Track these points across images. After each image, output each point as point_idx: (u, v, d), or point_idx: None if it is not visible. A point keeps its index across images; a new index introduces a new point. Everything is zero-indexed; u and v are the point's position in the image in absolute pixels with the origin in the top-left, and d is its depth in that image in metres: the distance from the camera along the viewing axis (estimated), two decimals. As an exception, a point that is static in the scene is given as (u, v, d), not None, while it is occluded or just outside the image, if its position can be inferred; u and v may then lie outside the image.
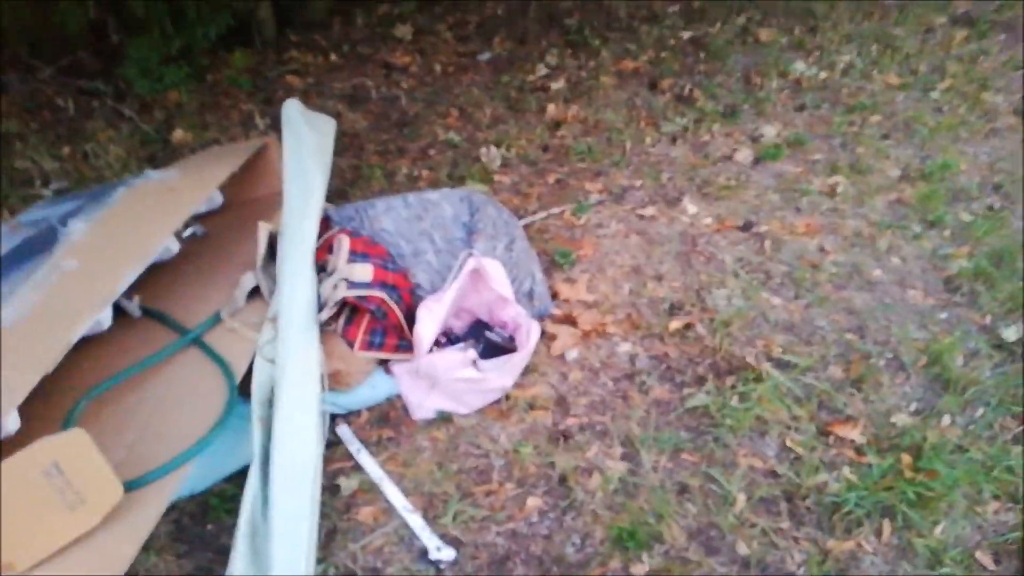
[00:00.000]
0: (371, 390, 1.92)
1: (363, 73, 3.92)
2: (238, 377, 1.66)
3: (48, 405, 1.47)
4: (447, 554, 1.55)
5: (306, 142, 2.14)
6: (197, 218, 2.35)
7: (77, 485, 1.26)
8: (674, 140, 3.03)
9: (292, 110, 2.22)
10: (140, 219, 1.86)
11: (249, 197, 2.47)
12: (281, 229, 1.97)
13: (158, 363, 1.72)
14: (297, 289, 1.80)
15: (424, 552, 1.56)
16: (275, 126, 3.42)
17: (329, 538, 1.59)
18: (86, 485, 1.27)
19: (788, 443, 1.75)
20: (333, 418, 1.88)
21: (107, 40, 3.98)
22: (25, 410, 1.36)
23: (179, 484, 1.42)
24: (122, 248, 1.72)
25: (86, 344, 1.59)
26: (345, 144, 3.20)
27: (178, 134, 3.37)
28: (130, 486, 1.35)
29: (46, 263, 1.65)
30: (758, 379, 1.89)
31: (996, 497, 1.60)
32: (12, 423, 1.39)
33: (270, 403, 1.66)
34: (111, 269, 1.63)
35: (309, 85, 3.79)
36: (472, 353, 1.83)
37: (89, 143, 3.24)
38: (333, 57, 4.09)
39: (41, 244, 1.82)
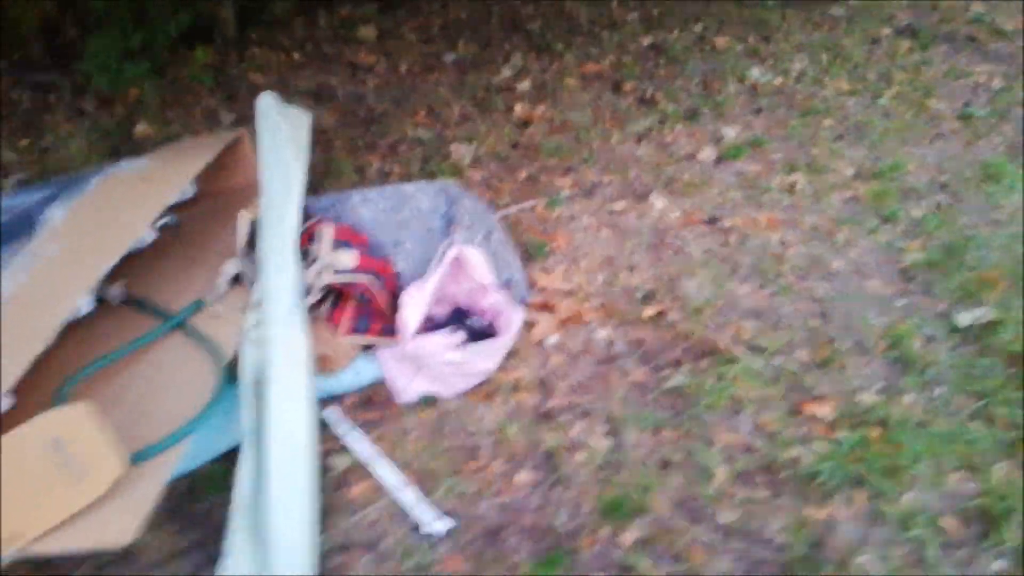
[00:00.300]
0: (355, 375, 1.94)
1: (328, 72, 3.92)
2: (227, 358, 1.66)
3: (31, 389, 1.45)
4: (441, 526, 1.58)
5: (280, 132, 2.14)
6: (170, 208, 2.33)
7: (80, 458, 1.25)
8: (639, 140, 3.12)
9: (267, 102, 2.22)
10: (118, 206, 1.85)
11: (220, 188, 2.46)
12: (261, 217, 1.97)
13: (143, 347, 1.71)
14: (281, 273, 1.81)
15: (417, 526, 1.59)
16: (240, 122, 3.42)
17: (322, 516, 1.60)
18: (89, 458, 1.26)
19: (762, 421, 1.84)
20: (319, 402, 1.88)
21: (61, 36, 3.90)
22: (19, 388, 1.34)
23: (178, 459, 1.42)
24: (102, 234, 1.71)
25: (72, 329, 1.58)
26: (314, 139, 3.18)
27: (141, 128, 3.32)
28: (134, 459, 1.34)
29: (26, 248, 1.63)
30: (731, 361, 1.98)
31: (958, 469, 1.70)
32: (6, 402, 1.37)
33: (259, 384, 1.66)
34: (93, 254, 1.62)
35: (273, 82, 3.78)
36: (459, 336, 1.87)
37: (48, 136, 3.17)
38: (296, 56, 4.08)
39: (19, 229, 1.79)
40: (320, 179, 2.94)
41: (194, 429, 1.47)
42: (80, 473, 1.25)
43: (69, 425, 1.25)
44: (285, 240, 1.84)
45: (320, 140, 3.21)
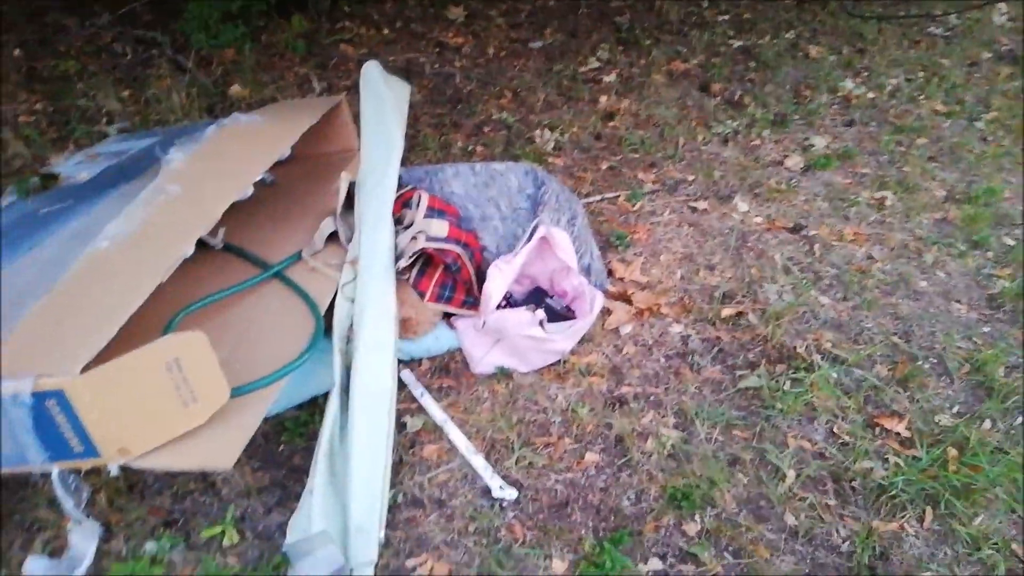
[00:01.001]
0: (435, 340, 1.98)
1: (416, 49, 3.98)
2: (321, 310, 1.72)
3: (137, 319, 1.52)
4: (510, 493, 1.62)
5: (385, 99, 2.21)
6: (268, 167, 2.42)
7: (192, 382, 1.32)
8: (725, 141, 3.10)
9: (372, 70, 2.29)
10: (234, 154, 1.93)
11: (316, 152, 2.53)
12: (360, 179, 2.04)
13: (243, 292, 1.78)
14: (378, 235, 1.87)
15: (487, 490, 1.63)
16: (331, 90, 3.51)
17: (397, 468, 1.66)
18: (200, 383, 1.33)
19: (836, 430, 1.82)
20: (398, 363, 1.94)
21: (164, -6, 4.05)
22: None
23: (274, 397, 1.49)
24: (219, 178, 1.79)
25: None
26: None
27: (236, 89, 3.43)
28: (233, 393, 1.42)
29: (151, 185, 1.71)
30: (808, 369, 1.97)
31: (1034, 497, 1.67)
32: (113, 331, 1.43)
33: (349, 339, 1.73)
34: (211, 195, 1.69)
35: (363, 55, 3.85)
36: (541, 313, 1.90)
37: (150, 89, 3.30)
38: (386, 31, 4.16)
39: (139, 169, 1.88)
40: (406, 153, 2.99)
41: (290, 371, 1.53)
42: (190, 396, 1.33)
43: (188, 348, 1.33)
44: (383, 203, 1.90)
45: (408, 115, 3.27)
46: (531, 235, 1.98)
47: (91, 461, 1.31)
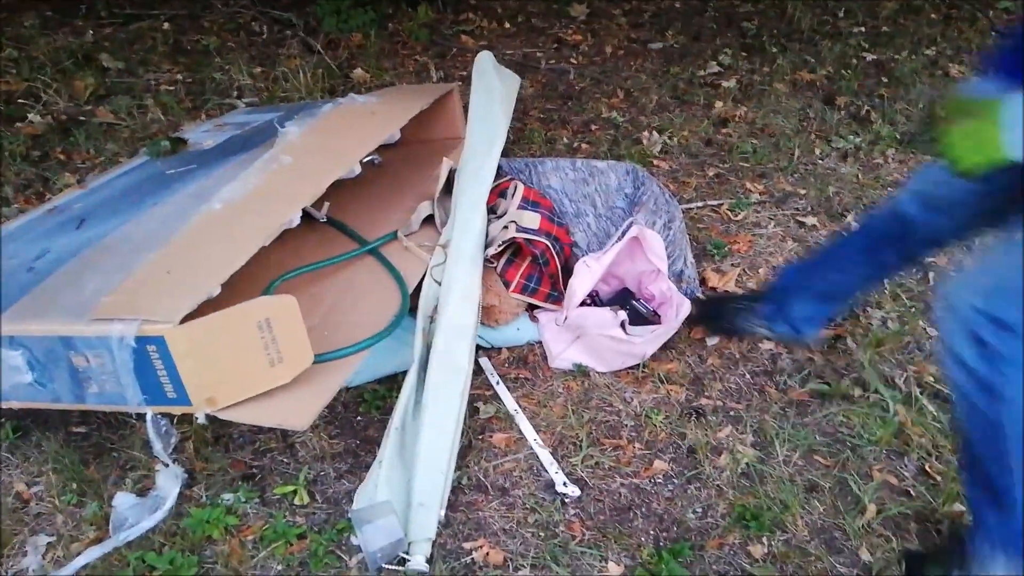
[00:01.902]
0: (516, 331, 2.00)
1: (534, 44, 4.01)
2: (410, 289, 1.77)
3: (238, 281, 1.61)
4: (573, 490, 1.61)
5: (495, 90, 2.24)
6: (376, 148, 2.50)
7: (280, 343, 1.40)
8: (845, 157, 2.96)
9: (485, 61, 2.32)
10: (345, 133, 2.01)
11: (424, 137, 2.59)
12: (461, 166, 2.08)
13: (339, 264, 1.86)
14: (471, 222, 1.90)
15: (551, 484, 1.63)
16: (447, 79, 3.59)
17: (465, 452, 1.69)
18: (287, 345, 1.41)
19: (928, 468, 1.71)
20: (477, 349, 1.97)
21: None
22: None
23: (355, 367, 1.55)
24: (329, 154, 1.87)
25: (277, 237, 1.73)
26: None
27: (358, 73, 3.56)
28: (316, 359, 1.48)
29: (266, 154, 1.81)
30: (906, 403, 1.86)
31: None
32: (215, 288, 1.53)
33: (432, 319, 1.77)
34: (319, 169, 1.78)
35: (482, 47, 3.91)
36: (623, 314, 1.88)
37: (280, 67, 3.47)
38: (507, 25, 4.21)
39: (260, 139, 2.00)
40: (511, 145, 3.03)
41: (372, 344, 1.58)
42: (277, 356, 1.40)
43: (279, 311, 1.40)
44: (479, 191, 1.93)
45: (517, 108, 3.29)
46: (623, 234, 1.96)
47: (182, 408, 1.41)
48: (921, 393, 1.89)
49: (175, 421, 1.67)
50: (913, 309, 2.18)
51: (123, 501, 1.55)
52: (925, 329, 2.11)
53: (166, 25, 3.94)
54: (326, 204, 2.03)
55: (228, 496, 1.58)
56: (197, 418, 1.40)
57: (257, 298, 1.39)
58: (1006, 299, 1.19)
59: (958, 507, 1.61)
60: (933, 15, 4.44)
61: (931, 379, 1.93)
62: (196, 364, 1.35)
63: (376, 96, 2.33)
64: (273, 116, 2.26)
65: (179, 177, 1.97)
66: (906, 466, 1.73)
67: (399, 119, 2.11)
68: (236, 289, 1.49)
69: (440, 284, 1.79)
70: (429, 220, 2.06)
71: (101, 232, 1.73)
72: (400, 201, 2.18)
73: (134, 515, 1.51)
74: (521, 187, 2.05)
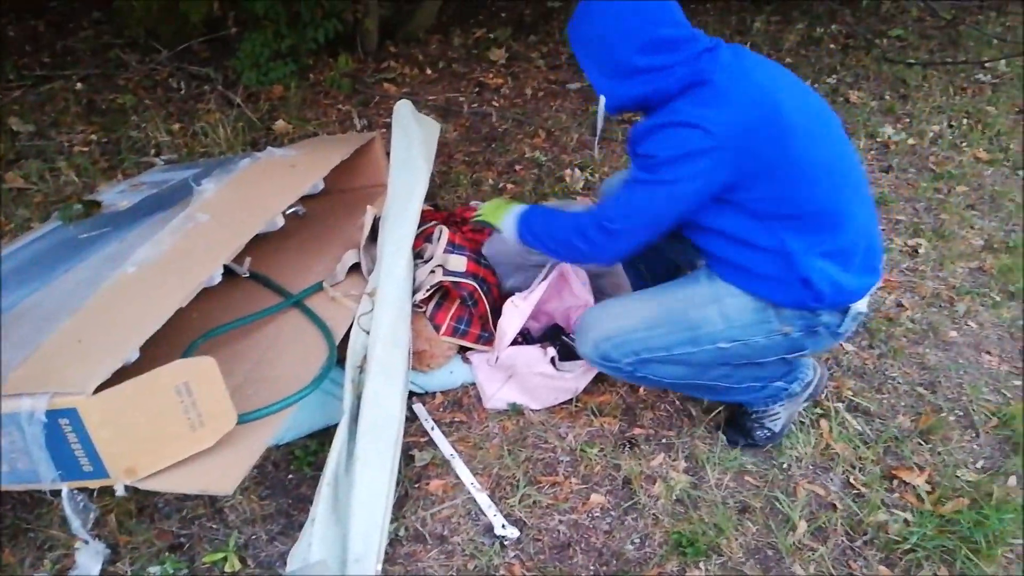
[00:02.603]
0: (448, 375, 2.00)
1: (456, 89, 4.08)
2: (337, 340, 1.76)
3: (160, 343, 1.58)
4: (512, 532, 1.61)
5: (414, 137, 2.26)
6: (299, 199, 2.49)
7: (201, 407, 1.36)
8: (757, 184, 3.08)
9: (404, 109, 2.35)
10: (264, 187, 2.00)
11: (348, 186, 2.60)
12: (384, 213, 2.08)
13: (265, 319, 1.84)
14: (396, 267, 1.90)
15: (489, 527, 1.62)
16: (371, 127, 3.61)
17: (401, 501, 1.67)
18: (208, 408, 1.38)
19: (852, 480, 1.77)
20: (410, 396, 1.96)
21: (221, 32, 4.24)
22: (143, 344, 1.46)
23: (280, 426, 1.52)
24: (247, 209, 1.86)
25: (197, 295, 1.71)
26: (437, 151, 3.33)
27: (280, 125, 3.55)
28: (240, 419, 1.45)
29: (182, 214, 1.79)
30: (826, 416, 1.92)
31: (1058, 560, 1.60)
32: (133, 353, 1.49)
33: (361, 369, 1.76)
34: (237, 225, 1.76)
35: (405, 94, 3.96)
36: (552, 351, 1.91)
37: (199, 123, 3.44)
38: (429, 71, 4.27)
39: (176, 198, 1.97)
40: (437, 189, 3.06)
41: (298, 399, 1.56)
42: (198, 420, 1.37)
43: (198, 373, 1.37)
44: (403, 236, 1.94)
45: (442, 152, 3.35)
46: (548, 272, 2.00)
47: (100, 481, 1.36)
48: (842, 408, 1.96)
49: (94, 494, 1.60)
50: (829, 327, 2.26)
51: (42, 584, 1.48)
52: (841, 345, 2.19)
53: (79, 85, 3.86)
54: (247, 259, 2.01)
55: (155, 569, 1.53)
56: (116, 491, 1.35)
57: (174, 362, 1.36)
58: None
59: (881, 516, 1.67)
60: (832, 45, 4.71)
61: (850, 393, 2.01)
62: (112, 434, 1.31)
63: (296, 148, 2.33)
64: (190, 173, 2.24)
65: (92, 241, 1.92)
66: (832, 480, 1.78)
67: (320, 169, 2.11)
68: (157, 352, 1.46)
69: (368, 333, 1.78)
70: (356, 269, 2.06)
71: (9, 303, 1.67)
72: (326, 251, 2.18)
73: (54, 598, 1.44)
74: (446, 231, 2.07)
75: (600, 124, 1.83)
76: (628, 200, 1.54)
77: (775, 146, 1.44)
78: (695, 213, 1.53)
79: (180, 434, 1.36)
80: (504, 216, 1.81)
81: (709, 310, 1.60)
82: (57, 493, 1.41)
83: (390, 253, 1.93)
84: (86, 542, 1.47)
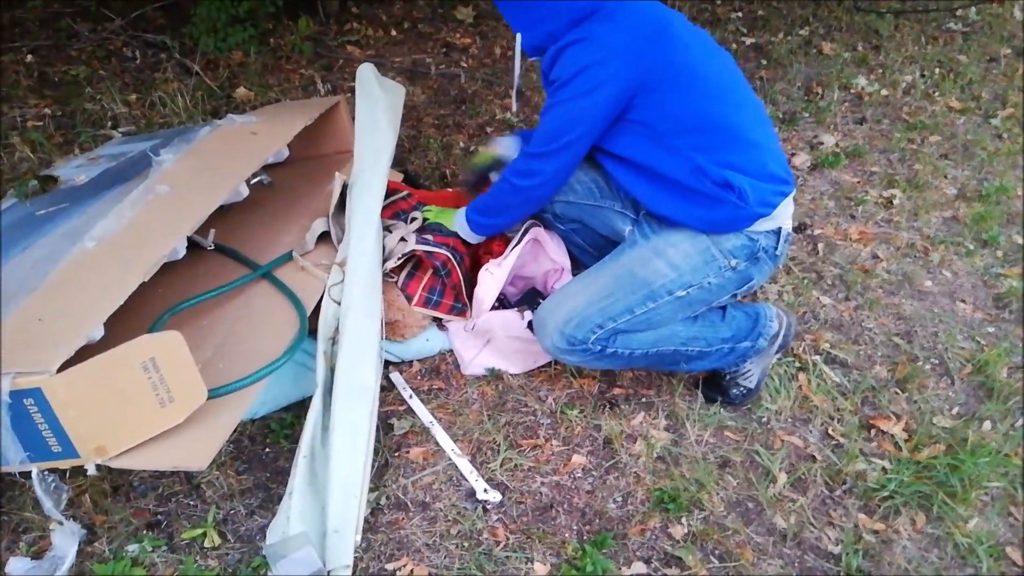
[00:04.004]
0: (425, 343, 1.97)
1: (423, 50, 3.99)
2: (308, 312, 1.72)
3: (126, 320, 1.53)
4: (494, 496, 1.60)
5: (379, 101, 2.20)
6: (264, 168, 2.42)
7: (169, 383, 1.33)
8: (731, 139, 3.06)
9: (367, 72, 2.28)
10: (225, 155, 1.93)
11: (313, 152, 2.53)
12: (351, 181, 2.03)
13: (231, 292, 1.79)
14: (366, 237, 1.86)
15: (471, 492, 1.61)
16: (336, 92, 3.52)
17: (382, 471, 1.65)
18: (177, 383, 1.34)
19: (830, 431, 1.79)
20: (387, 365, 1.94)
21: (175, -2, 4.09)
22: (108, 321, 1.42)
23: (253, 399, 1.49)
24: (209, 179, 1.80)
25: (161, 270, 1.66)
26: (405, 115, 3.25)
27: (241, 92, 3.45)
28: (211, 394, 1.42)
29: (141, 186, 1.73)
30: (805, 369, 1.93)
31: (1032, 501, 1.62)
32: (97, 331, 1.44)
33: (334, 340, 1.72)
34: (200, 196, 1.70)
35: (369, 57, 3.86)
36: (529, 315, 1.88)
37: (157, 92, 3.33)
38: (394, 32, 4.16)
39: (135, 170, 1.90)
40: (407, 154, 3.00)
41: (270, 372, 1.53)
42: (167, 396, 1.33)
43: (165, 349, 1.33)
44: (371, 205, 1.89)
45: (410, 116, 3.28)
46: (522, 236, 1.96)
47: (70, 461, 1.32)
48: (821, 360, 1.97)
49: (67, 475, 1.57)
50: (806, 280, 2.27)
51: (17, 566, 1.45)
52: (818, 298, 2.20)
53: (29, 57, 3.71)
54: (212, 231, 1.95)
55: (133, 547, 1.50)
56: (88, 470, 1.32)
57: (139, 337, 1.32)
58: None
59: (860, 466, 1.69)
60: (803, -3, 4.66)
61: (827, 346, 2.02)
62: (79, 413, 1.27)
63: (257, 115, 2.25)
64: (149, 145, 2.16)
65: (50, 218, 1.85)
66: (811, 432, 1.79)
67: (283, 136, 2.05)
68: (123, 328, 1.41)
69: (339, 303, 1.75)
70: (326, 238, 2.01)
71: (-35, 283, 1.61)
72: (294, 221, 2.12)
73: (29, 579, 1.41)
74: (420, 216, 2.03)
75: (518, 68, 1.89)
76: (546, 123, 1.67)
77: (665, 57, 1.57)
78: (608, 132, 1.66)
79: (149, 411, 1.32)
80: (453, 219, 1.96)
81: (656, 263, 1.66)
82: (28, 475, 1.37)
83: (359, 222, 1.88)
84: (60, 523, 1.44)
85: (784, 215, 1.70)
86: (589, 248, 2.04)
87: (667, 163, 1.64)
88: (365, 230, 1.87)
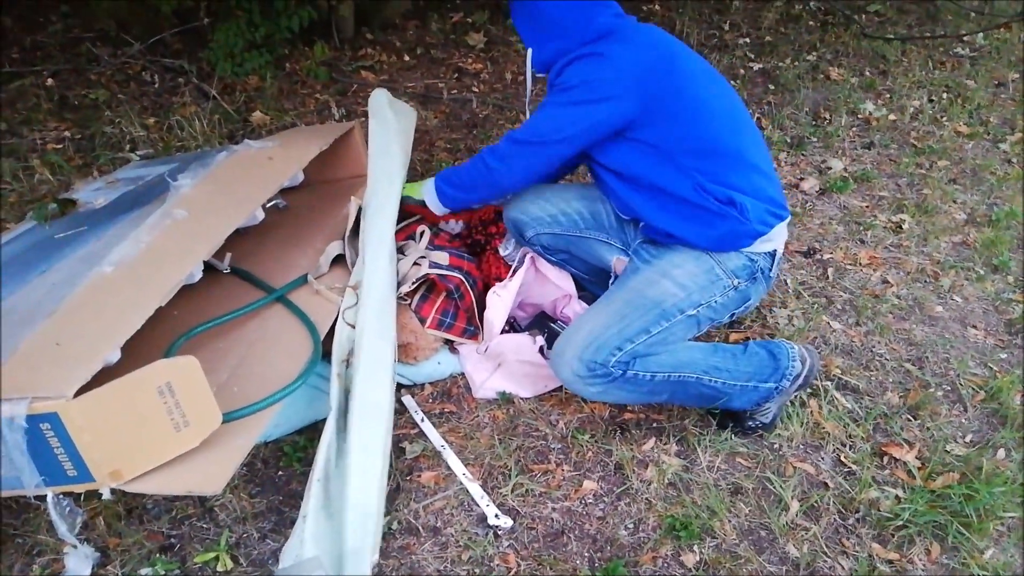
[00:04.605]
0: (437, 366, 1.98)
1: (435, 75, 4.04)
2: (322, 335, 1.74)
3: (140, 342, 1.55)
4: (505, 521, 1.60)
5: (391, 127, 2.23)
6: (280, 192, 2.45)
7: (185, 407, 1.34)
8: (740, 164, 3.08)
9: (380, 97, 2.32)
10: (242, 180, 1.96)
11: (330, 177, 2.56)
12: (364, 204, 2.06)
13: (248, 315, 1.81)
14: (379, 259, 1.88)
15: (483, 517, 1.62)
16: (350, 116, 3.56)
17: (393, 495, 1.66)
18: (192, 407, 1.35)
19: (843, 458, 1.78)
20: (399, 388, 1.95)
21: (193, 23, 4.16)
22: (124, 344, 1.44)
23: (267, 423, 1.50)
24: (226, 203, 1.82)
25: (177, 293, 1.68)
26: (416, 139, 3.29)
27: (257, 116, 3.50)
28: (226, 418, 1.43)
29: (159, 211, 1.75)
30: (816, 396, 1.93)
31: (1048, 532, 1.61)
32: (114, 355, 1.46)
33: (347, 363, 1.74)
34: (216, 220, 1.73)
35: (383, 82, 3.91)
36: (540, 339, 1.89)
37: (174, 116, 3.38)
38: (407, 58, 4.22)
39: (153, 194, 1.93)
40: (419, 178, 3.01)
41: (285, 395, 1.54)
42: (183, 420, 1.34)
43: (180, 374, 1.35)
44: (384, 228, 1.91)
45: (423, 140, 3.32)
46: (520, 261, 1.98)
47: (85, 485, 1.33)
48: (831, 386, 1.96)
49: (81, 498, 1.58)
50: (816, 305, 2.27)
51: (31, 590, 1.46)
52: (828, 323, 2.20)
53: (50, 81, 3.78)
54: (228, 255, 1.98)
55: (146, 570, 1.51)
56: (103, 494, 1.33)
57: (155, 362, 1.33)
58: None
59: (873, 494, 1.68)
60: (811, 22, 4.70)
61: (838, 372, 2.02)
62: (95, 438, 1.29)
63: (273, 140, 2.28)
64: (166, 168, 2.19)
65: (70, 240, 1.88)
66: (823, 459, 1.79)
67: (299, 161, 2.08)
68: (138, 353, 1.43)
69: (353, 327, 1.76)
70: (341, 261, 2.03)
71: (-14, 306, 1.63)
72: (309, 244, 2.14)
73: (44, 604, 1.42)
74: (428, 232, 2.05)
75: (529, 83, 1.94)
76: (537, 116, 1.73)
77: (672, 84, 1.64)
78: (615, 150, 1.72)
79: (165, 435, 1.33)
80: (421, 188, 1.99)
81: (663, 284, 1.70)
82: (42, 498, 1.38)
83: (372, 245, 1.90)
84: (74, 547, 1.45)
85: (780, 237, 1.77)
86: (586, 275, 2.07)
87: (672, 180, 1.69)
88: (379, 252, 1.89)
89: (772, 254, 1.76)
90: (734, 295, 1.73)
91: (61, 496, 1.37)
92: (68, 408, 1.25)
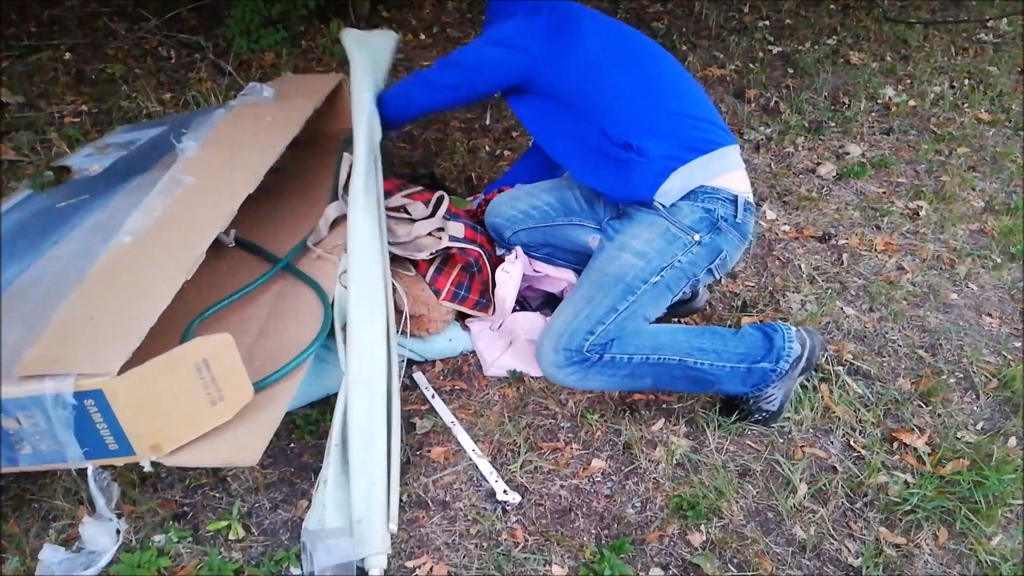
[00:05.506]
0: (448, 342, 1.99)
1: (451, 54, 4.01)
2: (330, 297, 1.74)
3: (158, 319, 1.56)
4: (513, 497, 1.61)
5: (358, 64, 2.12)
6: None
7: (220, 381, 1.36)
8: (757, 148, 3.06)
9: (348, 42, 2.19)
10: (243, 144, 1.95)
11: (320, 132, 2.50)
12: (354, 162, 2.00)
13: (259, 287, 1.82)
14: (362, 220, 1.75)
15: (491, 493, 1.63)
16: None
17: (403, 469, 1.67)
18: (226, 382, 1.37)
19: (852, 443, 1.78)
20: (410, 364, 1.96)
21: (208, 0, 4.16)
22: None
23: (293, 392, 1.51)
24: (231, 170, 1.81)
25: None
26: (431, 117, 3.29)
27: (273, 92, 3.49)
28: (256, 386, 1.45)
29: (166, 176, 1.76)
30: (827, 380, 1.92)
31: (1058, 520, 1.61)
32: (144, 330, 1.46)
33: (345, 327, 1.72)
34: (224, 188, 1.73)
35: (399, 60, 3.90)
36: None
37: (191, 92, 3.39)
38: (423, 36, 4.20)
39: (151, 159, 1.93)
40: (432, 156, 3.03)
41: (305, 357, 1.55)
42: (217, 395, 1.37)
43: (215, 350, 1.37)
44: (365, 183, 1.81)
45: (437, 119, 3.31)
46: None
47: (125, 458, 1.35)
48: (843, 371, 1.96)
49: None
50: (829, 291, 2.26)
51: (51, 555, 1.48)
52: (842, 308, 2.19)
53: (67, 55, 3.79)
54: (232, 231, 1.98)
55: (159, 537, 1.53)
56: (144, 466, 1.36)
57: (195, 339, 1.36)
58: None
59: (882, 479, 1.68)
60: (832, 5, 4.64)
61: (850, 357, 2.01)
62: (137, 413, 1.30)
63: (269, 89, 2.27)
64: (160, 130, 2.19)
65: (74, 209, 1.88)
66: (832, 443, 1.79)
67: (296, 122, 2.06)
68: (154, 328, 1.44)
69: (347, 288, 1.75)
70: (342, 221, 1.99)
71: (5, 279, 1.65)
72: (307, 206, 2.11)
73: (63, 570, 1.45)
74: (447, 198, 2.05)
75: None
76: (460, 50, 1.91)
77: (579, 37, 1.78)
78: (532, 107, 1.87)
79: (201, 409, 1.36)
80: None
81: (623, 258, 1.72)
82: (83, 472, 1.40)
83: (359, 203, 1.80)
84: (109, 520, 1.48)
85: (735, 182, 1.75)
86: (575, 265, 2.06)
87: (581, 130, 1.78)
88: (367, 209, 1.78)
89: (733, 200, 1.73)
90: (700, 250, 1.72)
91: (99, 469, 1.40)
92: (113, 385, 1.26)
